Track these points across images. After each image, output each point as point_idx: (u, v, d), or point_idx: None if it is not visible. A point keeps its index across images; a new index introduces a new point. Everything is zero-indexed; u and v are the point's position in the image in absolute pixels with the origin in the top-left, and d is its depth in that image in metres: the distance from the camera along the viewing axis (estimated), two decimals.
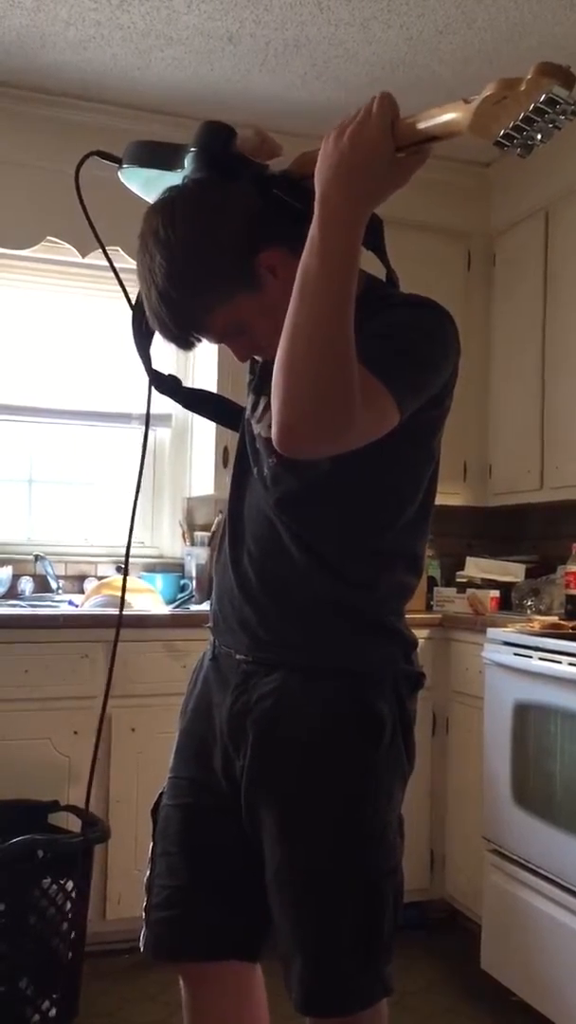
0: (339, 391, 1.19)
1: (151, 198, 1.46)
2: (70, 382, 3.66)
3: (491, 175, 3.72)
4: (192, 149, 1.40)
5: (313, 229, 1.20)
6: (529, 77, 0.98)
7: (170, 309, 1.39)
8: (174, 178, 1.43)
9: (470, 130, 1.05)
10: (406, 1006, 2.65)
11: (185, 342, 1.45)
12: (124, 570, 1.69)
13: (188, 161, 1.41)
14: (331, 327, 1.19)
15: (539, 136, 1.02)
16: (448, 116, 1.08)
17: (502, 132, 1.02)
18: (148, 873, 1.56)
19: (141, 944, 1.54)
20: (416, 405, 1.33)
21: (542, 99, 0.97)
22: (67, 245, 3.27)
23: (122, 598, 1.75)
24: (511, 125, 1.01)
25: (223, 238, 1.38)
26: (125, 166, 1.50)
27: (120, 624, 1.71)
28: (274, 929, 1.47)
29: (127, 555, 1.68)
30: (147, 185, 1.49)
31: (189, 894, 1.51)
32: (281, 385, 1.21)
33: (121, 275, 1.64)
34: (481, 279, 3.76)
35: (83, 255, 3.25)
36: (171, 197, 1.40)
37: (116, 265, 1.64)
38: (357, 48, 2.96)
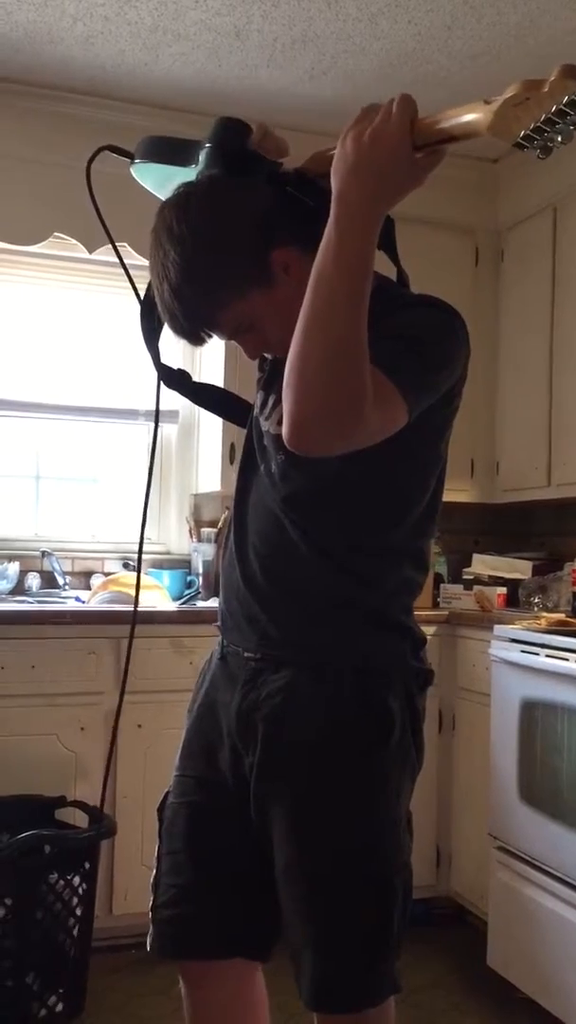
0: (350, 389, 1.18)
1: (163, 194, 1.45)
2: (77, 378, 3.66)
3: (499, 171, 3.71)
4: (207, 145, 1.40)
5: (329, 227, 1.20)
6: (553, 79, 0.97)
7: (182, 305, 1.39)
8: (187, 174, 1.43)
9: (490, 131, 1.04)
10: (412, 1003, 2.65)
11: (196, 338, 1.45)
12: (137, 567, 1.68)
13: (202, 157, 1.41)
14: (345, 326, 1.18)
15: (559, 138, 1.01)
16: (468, 117, 1.07)
17: (522, 134, 1.02)
18: (155, 872, 1.56)
19: (148, 943, 1.54)
20: (425, 405, 1.33)
21: (564, 101, 0.97)
22: (74, 241, 3.26)
23: (136, 595, 1.75)
24: (532, 127, 1.00)
25: (237, 235, 1.38)
26: (138, 161, 1.49)
27: (135, 620, 1.71)
28: (284, 926, 1.47)
29: (140, 551, 1.67)
30: (160, 181, 1.48)
31: (195, 892, 1.51)
32: (293, 382, 1.21)
33: (129, 271, 1.63)
34: (489, 275, 3.76)
35: (90, 251, 3.23)
36: (185, 193, 1.40)
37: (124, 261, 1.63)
38: (365, 43, 2.95)
